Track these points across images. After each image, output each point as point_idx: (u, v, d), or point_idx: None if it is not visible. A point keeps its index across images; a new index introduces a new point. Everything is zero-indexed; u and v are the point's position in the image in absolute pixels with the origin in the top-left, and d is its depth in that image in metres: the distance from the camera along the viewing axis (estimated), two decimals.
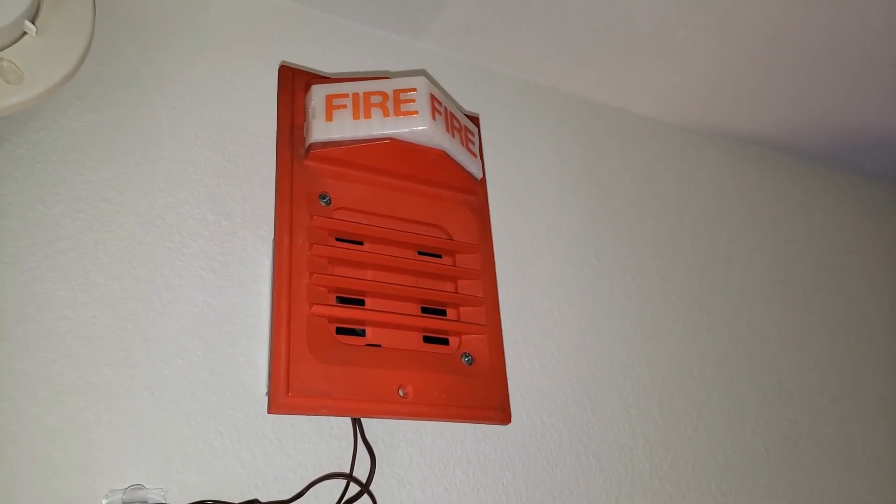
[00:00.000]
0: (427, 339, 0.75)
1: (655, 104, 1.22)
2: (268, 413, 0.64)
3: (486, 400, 0.73)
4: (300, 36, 0.95)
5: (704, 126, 1.29)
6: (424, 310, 0.76)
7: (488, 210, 0.83)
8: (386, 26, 1.01)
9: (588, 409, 0.94)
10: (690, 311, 1.10)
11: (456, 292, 0.77)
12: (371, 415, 0.69)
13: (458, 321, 0.76)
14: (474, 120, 0.86)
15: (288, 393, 0.63)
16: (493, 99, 1.07)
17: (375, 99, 0.74)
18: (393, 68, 0.99)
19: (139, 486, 0.65)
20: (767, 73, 1.15)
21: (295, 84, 0.78)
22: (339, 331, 0.71)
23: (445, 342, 0.76)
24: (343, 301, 0.72)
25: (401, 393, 0.69)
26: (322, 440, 0.75)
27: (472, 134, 0.83)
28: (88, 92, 0.79)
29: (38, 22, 0.65)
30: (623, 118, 1.21)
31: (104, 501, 0.64)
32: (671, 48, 1.08)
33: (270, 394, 0.64)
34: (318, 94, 0.75)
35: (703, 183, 1.25)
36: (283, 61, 0.90)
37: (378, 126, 0.74)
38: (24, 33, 0.64)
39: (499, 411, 0.74)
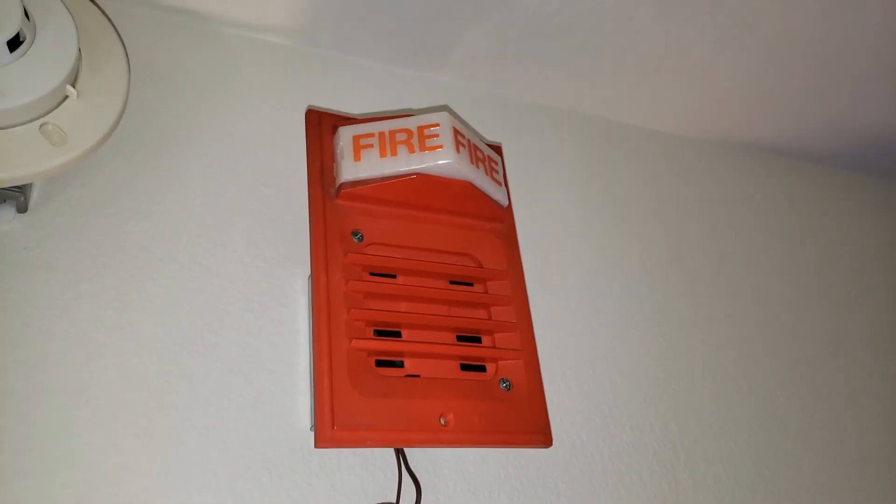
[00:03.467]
0: (464, 367, 0.76)
1: (673, 120, 1.23)
2: (315, 447, 0.66)
3: (527, 424, 0.74)
4: (323, 78, 0.98)
5: (722, 139, 1.30)
6: (460, 338, 0.77)
7: (516, 236, 0.85)
8: (405, 63, 1.03)
9: (627, 427, 0.94)
10: (723, 324, 1.10)
11: (489, 319, 0.79)
12: (414, 444, 0.71)
13: (494, 347, 0.78)
14: (497, 149, 0.88)
15: (333, 427, 0.65)
16: (514, 126, 1.10)
17: (400, 136, 0.77)
18: (415, 102, 1.02)
19: None
20: (780, 82, 1.16)
21: (322, 127, 0.81)
22: (379, 363, 0.72)
23: (483, 369, 0.77)
24: (380, 334, 0.74)
25: (442, 421, 0.70)
26: (367, 472, 0.77)
27: (496, 163, 0.84)
28: (124, 147, 0.82)
29: (77, 85, 0.68)
30: (642, 136, 1.22)
31: None
32: (684, 65, 1.10)
33: (316, 428, 0.65)
34: (345, 135, 0.78)
35: (725, 195, 1.25)
36: (309, 105, 0.93)
37: (404, 162, 0.76)
38: (66, 97, 0.67)
39: (539, 434, 0.75)
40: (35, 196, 0.75)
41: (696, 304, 1.10)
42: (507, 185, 0.86)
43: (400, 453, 0.76)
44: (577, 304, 1.00)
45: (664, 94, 1.16)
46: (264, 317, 0.80)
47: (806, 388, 1.12)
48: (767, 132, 1.30)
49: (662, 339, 1.04)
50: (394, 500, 0.75)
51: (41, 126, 0.65)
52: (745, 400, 1.06)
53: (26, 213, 0.74)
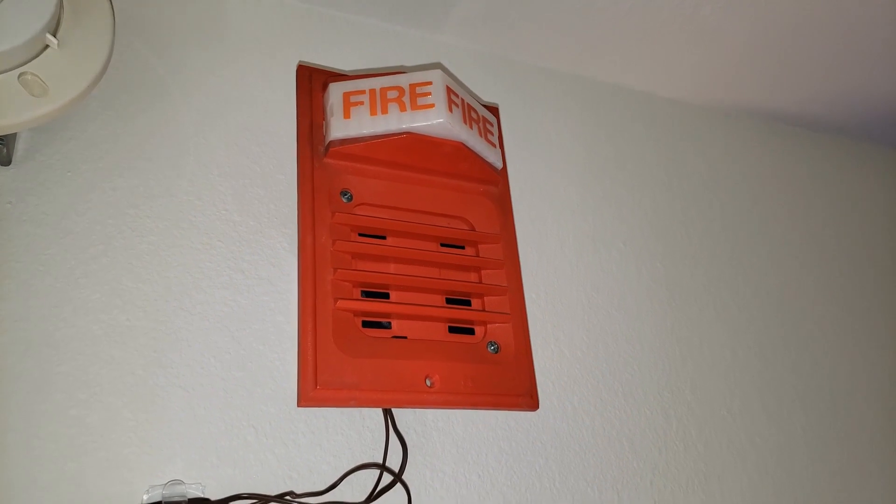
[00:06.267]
0: (452, 330, 0.76)
1: (679, 85, 1.20)
2: (297, 406, 0.65)
3: (513, 387, 0.74)
4: (319, 36, 0.96)
5: (730, 105, 1.27)
6: (449, 300, 0.77)
7: (510, 199, 0.84)
8: (404, 21, 1.01)
9: (619, 393, 0.94)
10: (721, 291, 1.09)
11: (480, 282, 0.78)
12: (399, 405, 0.70)
13: (483, 311, 0.77)
14: (493, 110, 0.86)
15: (316, 386, 0.65)
16: (515, 88, 1.08)
17: (392, 94, 0.75)
18: (412, 62, 1.00)
19: (178, 482, 0.67)
20: (791, 48, 1.13)
21: (312, 83, 0.79)
22: (366, 324, 0.72)
23: (471, 332, 0.76)
24: (368, 295, 0.73)
25: (428, 383, 0.69)
26: (354, 432, 0.77)
27: (491, 124, 0.83)
28: (115, 101, 0.81)
29: (59, 35, 0.67)
30: (646, 101, 1.20)
31: (145, 497, 0.66)
32: (693, 27, 1.07)
33: (299, 387, 0.65)
34: (335, 92, 0.76)
35: (731, 162, 1.23)
36: (300, 61, 0.91)
37: (395, 121, 0.74)
38: (47, 46, 0.66)
39: (526, 398, 0.74)
40: (20, 149, 0.74)
41: (695, 273, 1.09)
42: (502, 147, 0.85)
43: (388, 413, 0.76)
44: (572, 270, 0.98)
45: (670, 58, 1.13)
46: (253, 276, 0.79)
47: (803, 359, 1.12)
48: (776, 100, 1.27)
49: (660, 307, 1.03)
50: (380, 461, 0.75)
51: (20, 76, 0.64)
52: (740, 368, 1.05)
53: (10, 167, 0.73)
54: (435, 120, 0.74)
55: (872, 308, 1.24)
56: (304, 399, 0.64)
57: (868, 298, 1.24)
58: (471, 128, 0.77)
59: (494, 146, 0.82)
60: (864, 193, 1.37)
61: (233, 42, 0.91)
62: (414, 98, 0.75)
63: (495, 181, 0.83)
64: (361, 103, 0.75)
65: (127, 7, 0.85)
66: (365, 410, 0.78)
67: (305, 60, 0.92)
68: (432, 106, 0.74)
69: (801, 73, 1.20)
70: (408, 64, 0.99)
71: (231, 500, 0.68)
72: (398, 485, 0.75)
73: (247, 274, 0.79)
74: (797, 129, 1.35)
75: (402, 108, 0.74)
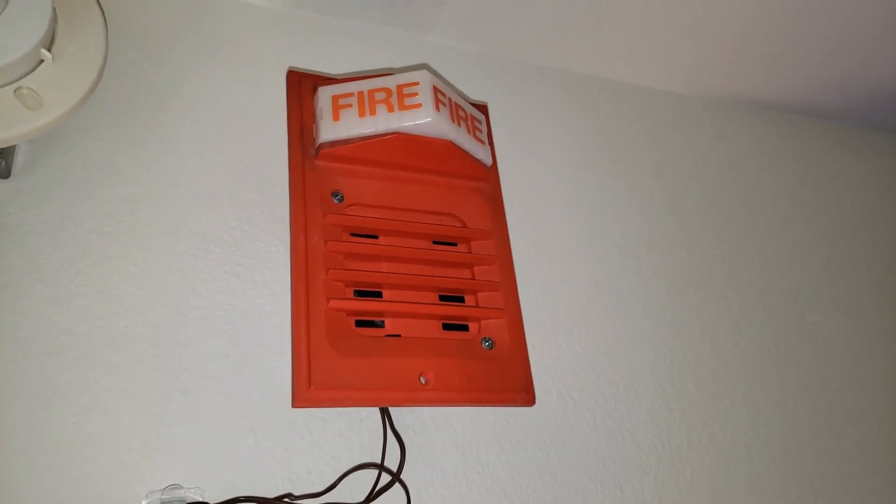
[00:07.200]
0: (447, 327, 0.76)
1: (670, 77, 1.20)
2: (292, 407, 0.66)
3: (509, 382, 0.74)
4: (309, 41, 0.97)
5: (721, 94, 1.27)
6: (442, 298, 0.77)
7: (501, 196, 0.84)
8: (393, 23, 1.02)
9: (621, 386, 0.94)
10: (720, 282, 1.09)
11: (472, 279, 0.78)
12: (394, 403, 0.71)
13: (477, 307, 0.77)
14: (482, 108, 0.87)
15: (310, 387, 0.65)
16: (506, 86, 1.08)
17: (380, 95, 0.76)
18: (402, 64, 1.01)
19: (177, 486, 0.68)
20: (785, 35, 1.13)
21: (302, 87, 0.80)
22: (359, 323, 0.72)
23: (465, 328, 0.77)
24: (361, 294, 0.74)
25: (422, 380, 0.70)
26: (353, 432, 0.77)
27: (480, 122, 0.83)
28: (110, 110, 0.82)
29: (53, 49, 0.68)
30: (637, 93, 1.20)
31: (144, 502, 0.66)
32: (682, 18, 1.07)
33: (293, 388, 0.66)
34: (324, 95, 0.77)
35: (724, 152, 1.23)
36: (291, 67, 0.92)
37: (384, 122, 0.75)
38: (42, 61, 0.67)
39: (522, 393, 0.74)
40: (20, 161, 0.76)
41: (694, 265, 1.08)
42: (492, 144, 0.85)
43: (385, 413, 0.77)
44: (570, 265, 0.99)
45: (660, 49, 1.13)
46: (249, 280, 0.80)
47: (806, 348, 1.11)
48: (770, 88, 1.26)
49: (659, 300, 1.03)
50: (379, 461, 0.76)
51: (16, 90, 0.65)
52: (742, 359, 1.04)
53: (9, 179, 0.74)
54: (422, 119, 0.75)
55: (874, 294, 1.23)
56: (299, 400, 0.65)
57: (869, 284, 1.23)
58: (459, 126, 0.78)
59: (483, 143, 0.82)
60: (863, 179, 1.36)
61: (224, 50, 0.92)
62: (401, 98, 0.75)
63: (485, 178, 0.83)
64: (350, 105, 0.76)
65: (119, 17, 0.86)
66: (363, 411, 0.78)
67: (295, 65, 0.93)
68: (419, 106, 0.75)
69: (795, 60, 1.19)
70: (398, 65, 1.00)
71: None
72: (397, 484, 0.75)
73: (243, 278, 0.80)
74: (792, 115, 1.35)
75: (390, 109, 0.75)
